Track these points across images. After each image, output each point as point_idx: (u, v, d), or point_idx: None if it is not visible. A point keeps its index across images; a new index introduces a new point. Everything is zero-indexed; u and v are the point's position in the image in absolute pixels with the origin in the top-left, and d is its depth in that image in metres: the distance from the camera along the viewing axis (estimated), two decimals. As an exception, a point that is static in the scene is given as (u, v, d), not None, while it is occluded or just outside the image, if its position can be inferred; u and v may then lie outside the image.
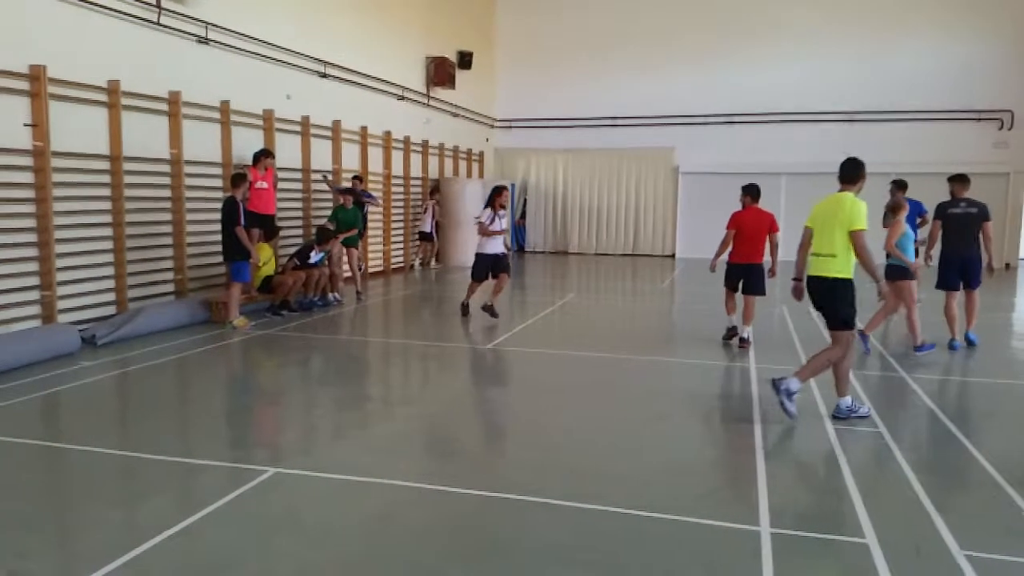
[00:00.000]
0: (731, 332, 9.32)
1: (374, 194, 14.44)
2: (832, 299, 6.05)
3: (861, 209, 5.94)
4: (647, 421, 6.28)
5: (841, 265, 5.98)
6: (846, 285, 5.99)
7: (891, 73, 19.80)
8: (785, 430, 5.93)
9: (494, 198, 10.62)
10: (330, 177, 13.63)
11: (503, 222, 10.72)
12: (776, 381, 6.10)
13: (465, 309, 10.94)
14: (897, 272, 8.56)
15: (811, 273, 6.19)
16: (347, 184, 13.47)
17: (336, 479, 4.82)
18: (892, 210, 8.58)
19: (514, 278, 17.09)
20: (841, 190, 6.16)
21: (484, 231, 10.61)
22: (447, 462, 5.39)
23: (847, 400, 6.13)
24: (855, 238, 5.90)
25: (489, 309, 10.51)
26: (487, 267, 10.69)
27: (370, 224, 15.66)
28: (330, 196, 13.68)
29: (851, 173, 6.18)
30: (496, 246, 10.64)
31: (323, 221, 12.72)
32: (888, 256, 8.60)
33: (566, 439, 5.86)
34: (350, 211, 12.52)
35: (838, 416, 6.08)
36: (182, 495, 4.65)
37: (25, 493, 4.62)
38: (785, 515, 4.29)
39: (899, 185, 9.80)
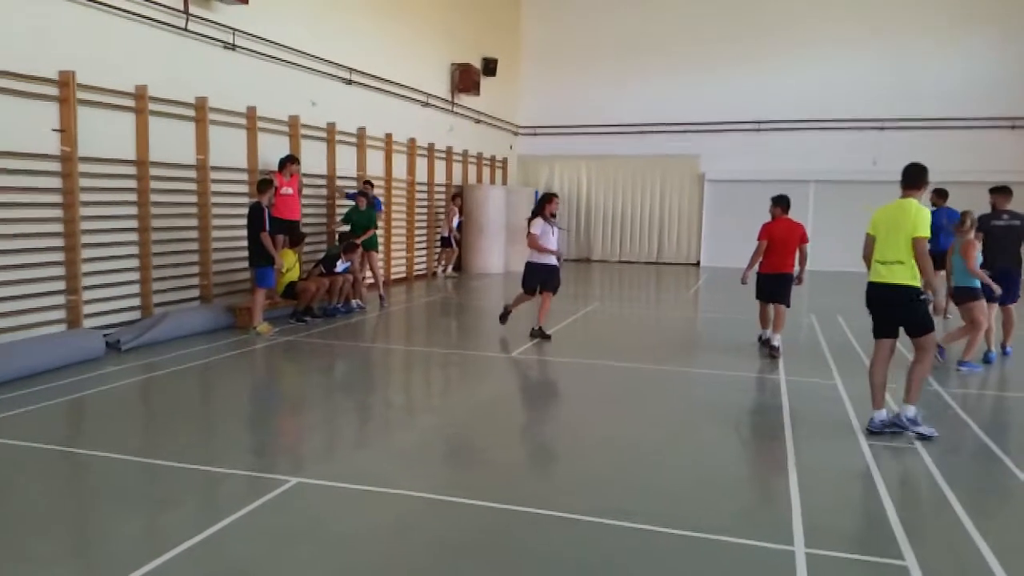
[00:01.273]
0: (766, 342, 9.24)
1: (380, 201, 14.09)
2: (906, 307, 5.93)
3: (926, 216, 5.84)
4: (675, 434, 6.15)
5: (910, 272, 5.85)
6: (918, 291, 5.88)
7: (921, 80, 19.51)
8: (817, 445, 5.77)
9: (544, 206, 9.79)
10: (337, 183, 13.42)
11: (555, 233, 9.87)
12: (896, 422, 5.96)
13: (505, 317, 10.28)
14: (967, 294, 8.30)
15: (877, 280, 6.04)
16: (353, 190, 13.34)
17: (358, 489, 4.74)
18: (960, 226, 8.34)
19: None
20: (904, 196, 6.03)
21: (535, 245, 9.71)
22: (469, 473, 5.30)
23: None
24: (917, 245, 5.78)
25: (539, 333, 9.76)
26: (540, 278, 9.84)
27: (393, 231, 15.68)
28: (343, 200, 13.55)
29: (917, 179, 6.06)
30: (550, 256, 9.80)
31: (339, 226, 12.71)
32: (950, 275, 8.39)
33: (591, 452, 5.74)
34: (364, 212, 12.49)
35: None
36: (204, 504, 4.60)
37: (47, 500, 4.59)
38: (820, 535, 4.15)
39: (940, 194, 9.62)
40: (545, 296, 9.93)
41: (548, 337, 9.76)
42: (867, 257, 6.23)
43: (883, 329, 6.10)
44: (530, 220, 9.95)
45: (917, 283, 5.86)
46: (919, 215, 5.82)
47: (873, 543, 4.14)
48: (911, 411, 5.96)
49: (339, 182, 13.50)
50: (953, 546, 4.08)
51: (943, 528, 4.33)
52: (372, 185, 13.54)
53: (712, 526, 4.26)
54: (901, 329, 6.05)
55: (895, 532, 4.20)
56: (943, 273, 8.56)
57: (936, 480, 5.05)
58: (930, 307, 6.05)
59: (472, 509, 4.51)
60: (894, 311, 6.00)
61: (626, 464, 5.42)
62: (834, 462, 5.46)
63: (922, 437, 5.83)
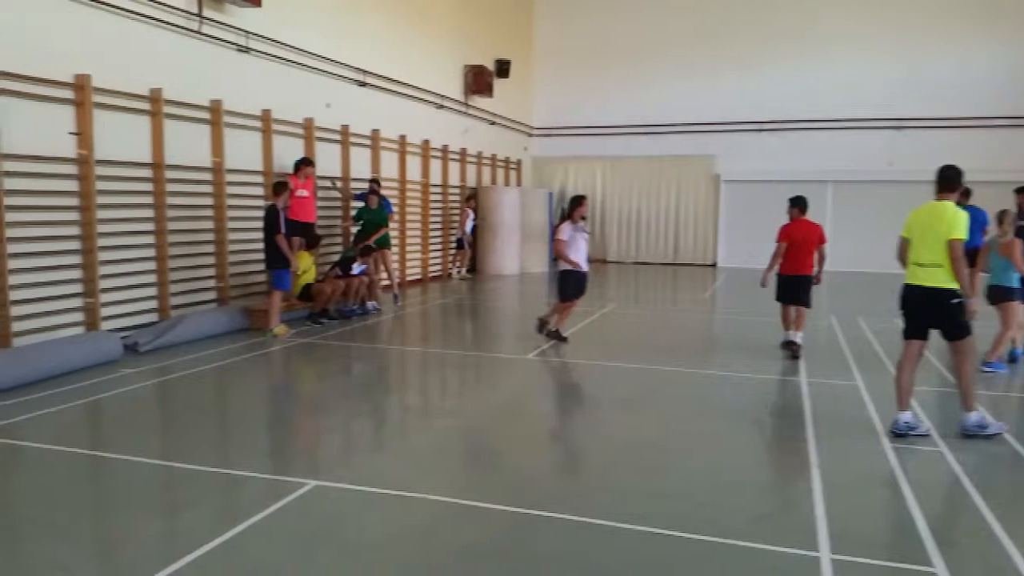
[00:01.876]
0: (788, 344, 9.19)
1: (390, 202, 13.83)
2: (944, 311, 5.85)
3: (962, 218, 5.78)
4: (695, 437, 6.08)
5: (949, 275, 5.78)
6: (955, 294, 5.80)
7: (939, 78, 19.28)
8: (840, 448, 5.68)
9: (574, 209, 9.44)
10: (339, 184, 13.16)
11: (585, 238, 9.57)
12: (964, 430, 5.92)
13: (546, 330, 9.69)
14: (1003, 294, 8.18)
15: (913, 283, 5.97)
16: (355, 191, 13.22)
17: (376, 493, 4.71)
18: (1000, 224, 8.22)
19: (552, 287, 16.97)
20: (939, 198, 5.97)
21: (563, 254, 9.38)
22: (488, 476, 5.25)
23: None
24: (952, 247, 5.71)
25: (556, 335, 9.61)
26: (579, 286, 9.55)
27: (408, 233, 15.66)
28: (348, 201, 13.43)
29: (952, 181, 6.00)
30: (584, 263, 9.50)
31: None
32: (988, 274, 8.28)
33: (608, 455, 5.68)
34: (376, 210, 12.45)
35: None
36: (223, 507, 4.58)
37: (66, 503, 4.58)
38: (846, 540, 4.07)
39: (964, 193, 9.50)
40: (572, 301, 9.73)
41: (565, 339, 9.68)
42: (902, 259, 6.17)
43: (915, 331, 6.04)
44: (558, 225, 9.64)
45: (956, 285, 5.79)
46: (956, 218, 5.76)
47: (901, 549, 4.06)
48: (973, 418, 5.92)
49: (324, 182, 13.14)
50: (983, 553, 4.00)
51: (972, 534, 4.24)
52: (380, 184, 13.35)
53: (734, 531, 4.19)
54: (932, 332, 5.98)
55: (923, 538, 4.12)
56: (980, 273, 8.47)
57: (963, 483, 4.96)
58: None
59: (490, 513, 4.46)
60: (931, 314, 5.94)
61: (645, 467, 5.36)
62: (858, 465, 5.37)
63: (989, 437, 5.84)
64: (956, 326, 5.87)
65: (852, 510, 4.54)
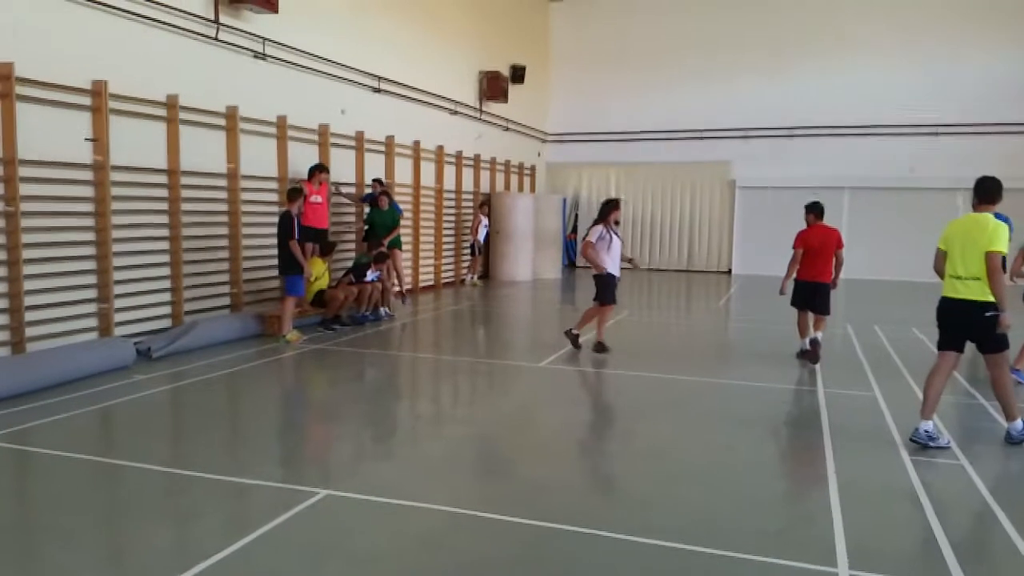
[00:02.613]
0: (805, 353, 9.14)
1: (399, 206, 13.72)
2: (983, 324, 5.77)
3: (1004, 232, 5.71)
4: (711, 447, 5.99)
5: (986, 287, 5.70)
6: (991, 307, 5.72)
7: (958, 85, 19.11)
8: (858, 460, 5.59)
9: (608, 213, 9.21)
10: (343, 189, 13.00)
11: (617, 243, 9.34)
12: (1010, 439, 5.94)
13: (600, 347, 9.39)
14: None
15: (951, 295, 5.89)
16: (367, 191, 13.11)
17: (387, 503, 4.66)
18: None
19: (565, 294, 16.94)
20: (979, 210, 5.92)
21: (590, 257, 9.15)
22: (500, 487, 5.18)
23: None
24: (990, 259, 5.64)
25: (601, 347, 9.36)
26: (615, 289, 9.38)
27: (421, 238, 15.65)
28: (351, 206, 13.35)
29: (992, 193, 5.93)
30: (617, 268, 9.32)
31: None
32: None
33: (621, 466, 5.62)
34: (387, 211, 12.41)
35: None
36: (233, 516, 4.54)
37: (75, 510, 4.55)
38: (866, 556, 3.98)
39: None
40: (610, 307, 9.57)
41: (579, 347, 9.61)
42: (939, 271, 6.09)
43: (951, 342, 5.95)
44: (591, 227, 9.42)
45: (992, 299, 5.72)
46: (997, 230, 5.69)
47: (922, 566, 3.97)
48: (1018, 425, 5.90)
49: (347, 188, 13.22)
50: (1007, 570, 3.90)
51: (995, 551, 4.15)
52: (382, 184, 13.08)
53: (751, 545, 4.11)
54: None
55: (944, 554, 4.02)
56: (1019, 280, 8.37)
57: (984, 497, 4.86)
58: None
59: (502, 525, 4.40)
60: (968, 327, 5.86)
61: (660, 478, 5.29)
62: (877, 478, 5.27)
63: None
64: (993, 339, 5.80)
65: (871, 524, 4.45)
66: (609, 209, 9.28)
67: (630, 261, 10.00)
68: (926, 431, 5.80)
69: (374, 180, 13.12)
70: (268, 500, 4.70)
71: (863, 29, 19.77)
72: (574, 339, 9.63)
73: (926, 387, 5.97)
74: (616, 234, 9.30)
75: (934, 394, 5.90)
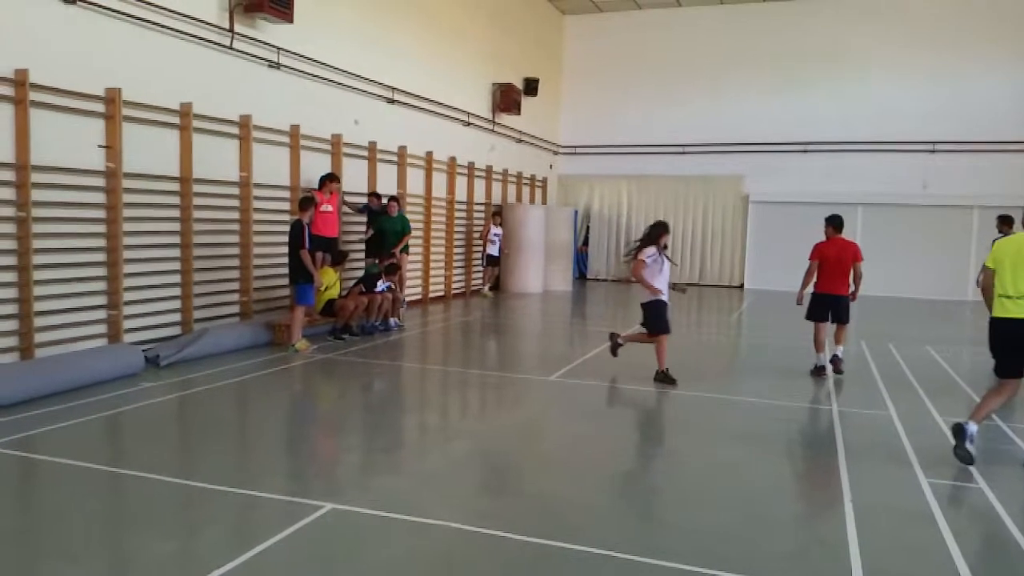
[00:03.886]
0: (819, 370, 9.11)
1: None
2: None
3: None
4: (724, 466, 5.89)
5: None
6: None
7: (973, 102, 18.95)
8: (874, 481, 5.48)
9: (658, 236, 8.63)
10: (347, 199, 12.73)
11: (668, 267, 8.74)
12: None
13: (667, 378, 8.63)
14: None
15: (1002, 315, 5.81)
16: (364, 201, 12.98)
17: (393, 518, 4.58)
18: None
19: (576, 306, 16.85)
20: None
21: (643, 279, 8.57)
22: (508, 503, 5.10)
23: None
24: None
25: (665, 376, 8.63)
26: (667, 316, 8.70)
27: (432, 249, 15.62)
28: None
29: None
30: (666, 292, 8.72)
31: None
32: None
33: (633, 483, 5.53)
34: (396, 218, 12.37)
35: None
36: (238, 529, 4.48)
37: (79, 520, 4.50)
38: (882, 581, 3.89)
39: (1004, 220, 9.34)
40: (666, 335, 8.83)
41: (615, 355, 9.29)
42: (986, 290, 6.04)
43: (1011, 368, 5.85)
44: (640, 247, 8.74)
45: None
46: None
47: (940, 592, 3.87)
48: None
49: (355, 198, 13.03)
50: (1029, 598, 3.79)
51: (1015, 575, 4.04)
52: (379, 197, 12.80)
53: (764, 568, 4.02)
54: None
55: (964, 581, 3.92)
56: None
57: (1004, 521, 4.74)
58: None
59: (511, 543, 4.31)
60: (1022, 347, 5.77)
61: (673, 497, 5.20)
62: (893, 499, 5.16)
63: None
64: None
65: (887, 548, 4.34)
66: (659, 232, 8.73)
67: (677, 287, 9.41)
68: (972, 433, 5.76)
69: (370, 195, 12.85)
70: (274, 513, 4.64)
71: (877, 45, 19.68)
72: (615, 346, 9.30)
73: (985, 397, 6.00)
74: (668, 258, 8.80)
75: (989, 408, 5.94)
